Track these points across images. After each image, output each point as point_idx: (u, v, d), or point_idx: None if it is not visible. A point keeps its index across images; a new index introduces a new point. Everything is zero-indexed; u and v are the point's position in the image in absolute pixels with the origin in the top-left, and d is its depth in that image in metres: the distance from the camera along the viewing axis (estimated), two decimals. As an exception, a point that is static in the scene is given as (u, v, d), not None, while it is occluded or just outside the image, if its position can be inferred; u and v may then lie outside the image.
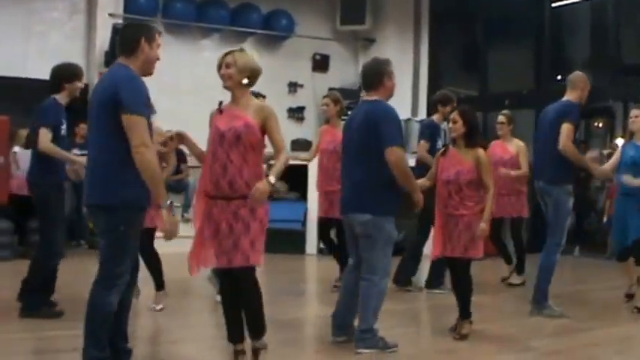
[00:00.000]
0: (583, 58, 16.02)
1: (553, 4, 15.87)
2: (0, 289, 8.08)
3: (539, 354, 7.01)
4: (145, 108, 5.24)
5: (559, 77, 16.10)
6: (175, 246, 8.12)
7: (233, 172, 5.64)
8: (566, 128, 8.08)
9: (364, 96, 6.87)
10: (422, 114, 16.05)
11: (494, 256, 10.66)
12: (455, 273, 7.43)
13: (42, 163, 7.76)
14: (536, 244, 14.31)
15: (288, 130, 16.63)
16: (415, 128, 13.66)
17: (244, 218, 5.65)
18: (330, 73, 17.07)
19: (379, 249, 6.51)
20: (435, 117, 10.03)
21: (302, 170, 13.15)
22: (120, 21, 14.62)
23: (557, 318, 8.23)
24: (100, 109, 5.25)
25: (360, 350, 6.57)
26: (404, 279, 9.83)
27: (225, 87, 5.79)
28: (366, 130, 6.52)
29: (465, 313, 7.33)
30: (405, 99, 16.31)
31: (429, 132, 9.85)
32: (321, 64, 17.31)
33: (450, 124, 7.36)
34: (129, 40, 5.40)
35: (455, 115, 7.34)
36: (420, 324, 7.61)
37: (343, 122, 7.63)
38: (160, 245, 7.53)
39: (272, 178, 5.60)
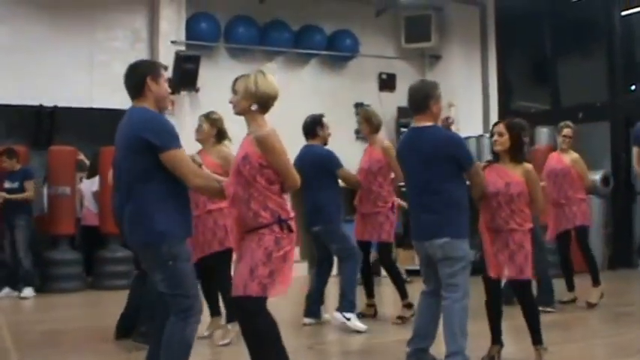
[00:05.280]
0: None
1: (623, 13, 15.46)
2: (73, 319, 8.06)
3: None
4: (176, 140, 5.19)
5: (633, 87, 15.68)
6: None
7: (240, 204, 5.39)
8: None
9: (414, 122, 6.66)
10: (493, 130, 15.73)
11: (582, 272, 10.18)
12: (519, 297, 7.02)
13: None
14: (621, 258, 14.04)
15: (357, 152, 16.44)
16: (487, 144, 13.34)
17: (250, 248, 5.35)
18: (398, 92, 16.66)
19: (460, 269, 6.35)
20: None
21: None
22: (183, 48, 14.62)
23: None
24: (124, 152, 5.24)
25: None
26: (545, 300, 9.31)
27: (235, 114, 5.66)
28: (435, 160, 6.39)
29: (538, 338, 6.87)
30: (476, 115, 15.91)
31: None
32: (387, 83, 17.09)
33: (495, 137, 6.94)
34: (134, 82, 5.35)
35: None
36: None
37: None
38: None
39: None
